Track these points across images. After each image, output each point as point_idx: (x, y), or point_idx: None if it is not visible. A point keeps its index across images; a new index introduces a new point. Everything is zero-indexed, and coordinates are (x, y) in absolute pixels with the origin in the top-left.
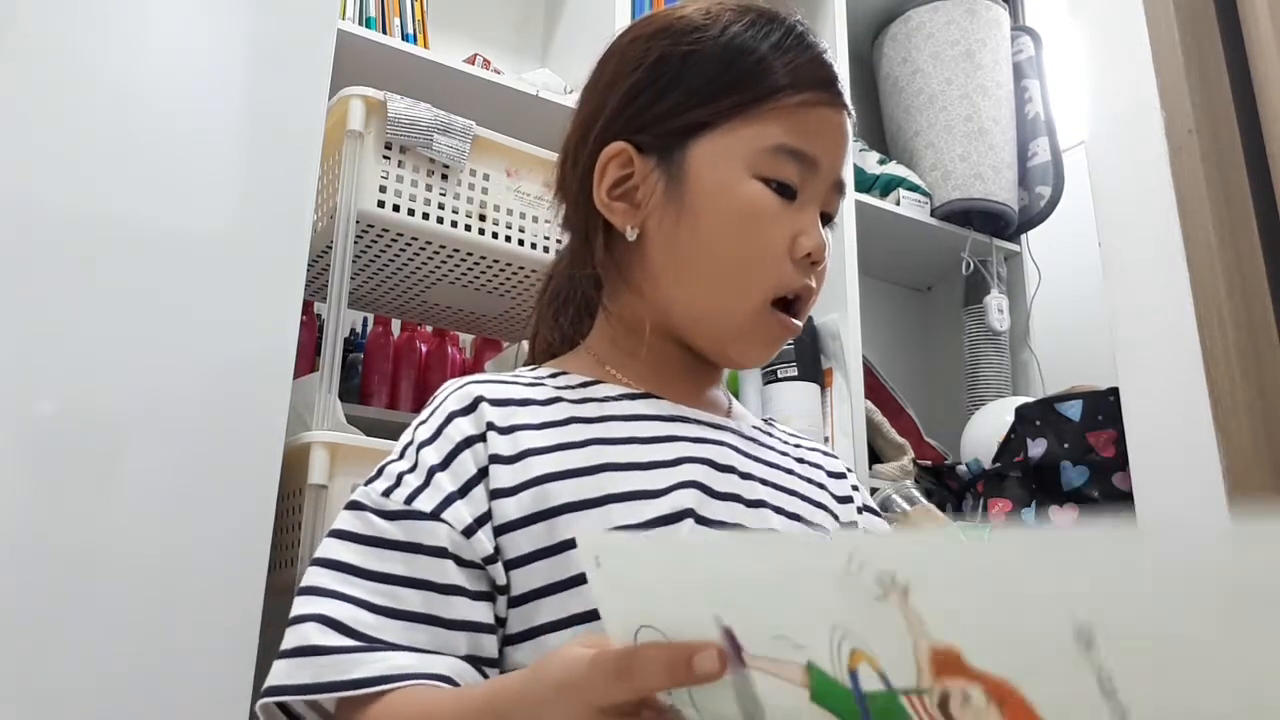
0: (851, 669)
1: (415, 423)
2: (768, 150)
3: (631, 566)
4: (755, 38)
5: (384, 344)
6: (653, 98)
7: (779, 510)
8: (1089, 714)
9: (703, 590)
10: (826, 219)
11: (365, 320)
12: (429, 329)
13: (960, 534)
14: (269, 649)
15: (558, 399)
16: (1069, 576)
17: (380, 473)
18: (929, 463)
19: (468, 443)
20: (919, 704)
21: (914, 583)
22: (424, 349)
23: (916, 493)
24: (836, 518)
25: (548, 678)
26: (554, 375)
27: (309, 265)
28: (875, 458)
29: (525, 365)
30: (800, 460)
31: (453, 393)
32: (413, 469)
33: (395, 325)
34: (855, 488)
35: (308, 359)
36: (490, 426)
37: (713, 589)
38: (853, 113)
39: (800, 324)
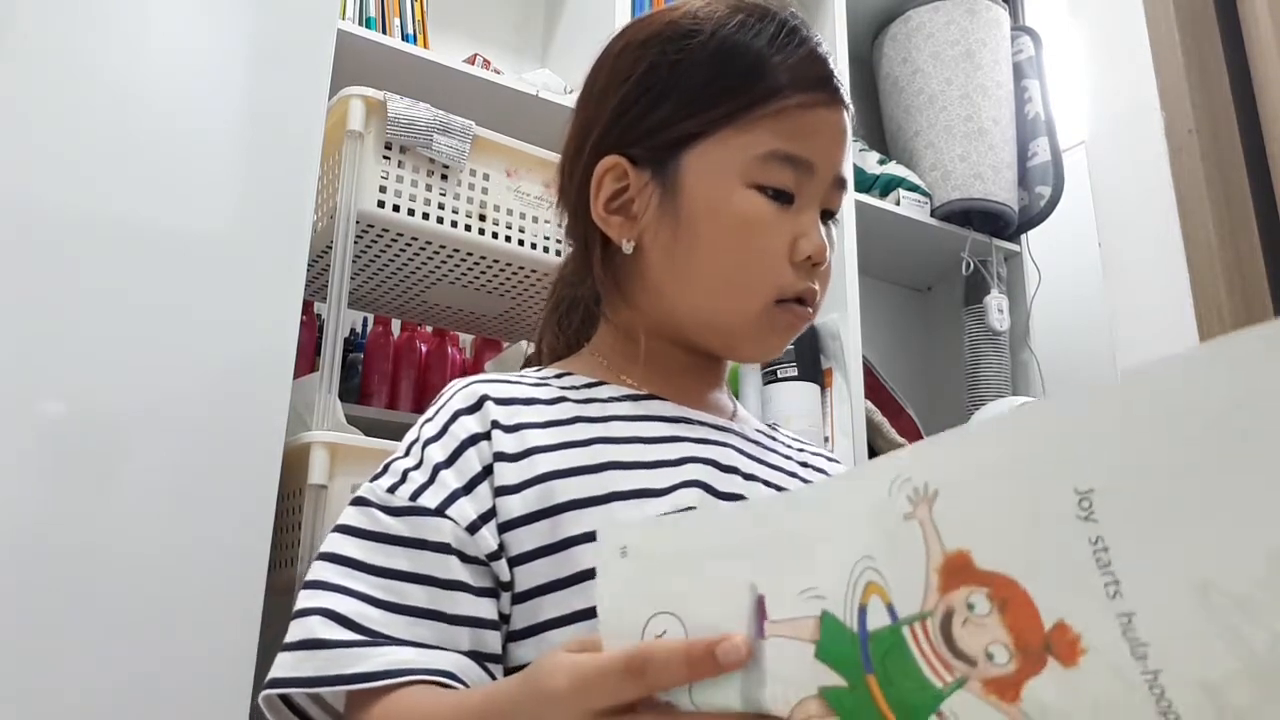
0: (863, 604)
1: (421, 420)
2: (761, 158)
3: (664, 544)
4: (747, 38)
5: (384, 344)
6: (644, 110)
7: None
8: (1086, 594)
9: (736, 559)
10: (829, 215)
11: (365, 320)
12: (429, 329)
13: (985, 426)
14: (269, 649)
15: (562, 399)
16: (1068, 443)
17: (386, 469)
18: None
19: (473, 440)
20: (922, 633)
21: (943, 487)
22: (424, 349)
23: None
24: None
25: (544, 684)
26: (559, 375)
27: (309, 265)
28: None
29: (530, 366)
30: (804, 465)
31: (458, 391)
32: (418, 466)
33: (395, 325)
34: None
35: (308, 359)
36: (495, 425)
37: (747, 554)
38: (850, 107)
39: (812, 314)
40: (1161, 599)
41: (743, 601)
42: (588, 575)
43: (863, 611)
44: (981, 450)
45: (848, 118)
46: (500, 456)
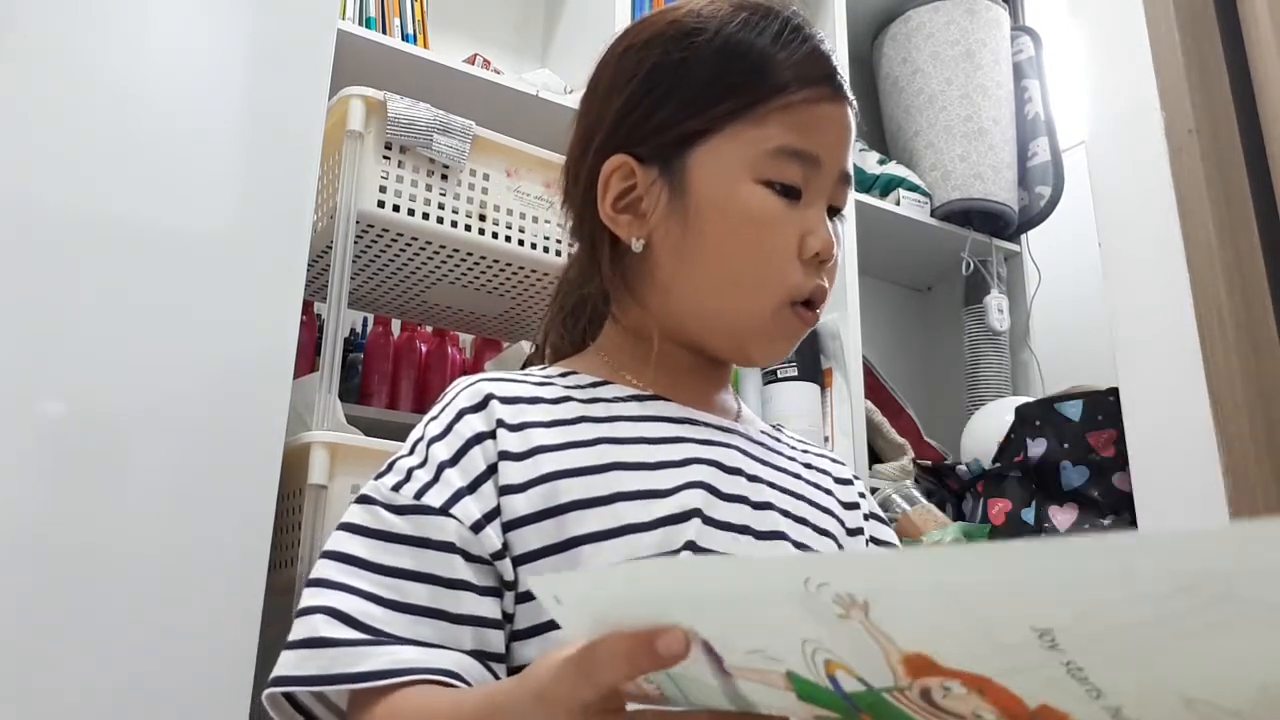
0: (830, 675)
1: (426, 419)
2: (768, 153)
3: (592, 598)
4: (750, 36)
5: (384, 344)
6: (649, 109)
7: (785, 514)
8: (1066, 695)
9: (675, 608)
10: (835, 211)
11: (365, 320)
12: (429, 329)
13: (902, 553)
14: (269, 649)
15: (567, 398)
16: (1018, 591)
17: (390, 467)
18: (929, 463)
19: (478, 439)
20: (903, 697)
21: (872, 600)
22: (424, 349)
23: (916, 493)
24: (842, 523)
25: (529, 685)
26: (564, 375)
27: (309, 265)
28: (875, 458)
29: (535, 365)
30: (808, 465)
31: (464, 390)
32: (423, 464)
33: (395, 325)
34: (862, 494)
35: (308, 359)
36: (500, 424)
37: (686, 607)
38: (854, 103)
39: (818, 314)
40: (1148, 702)
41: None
42: None
43: (833, 679)
44: (905, 573)
45: (852, 114)
46: (505, 455)
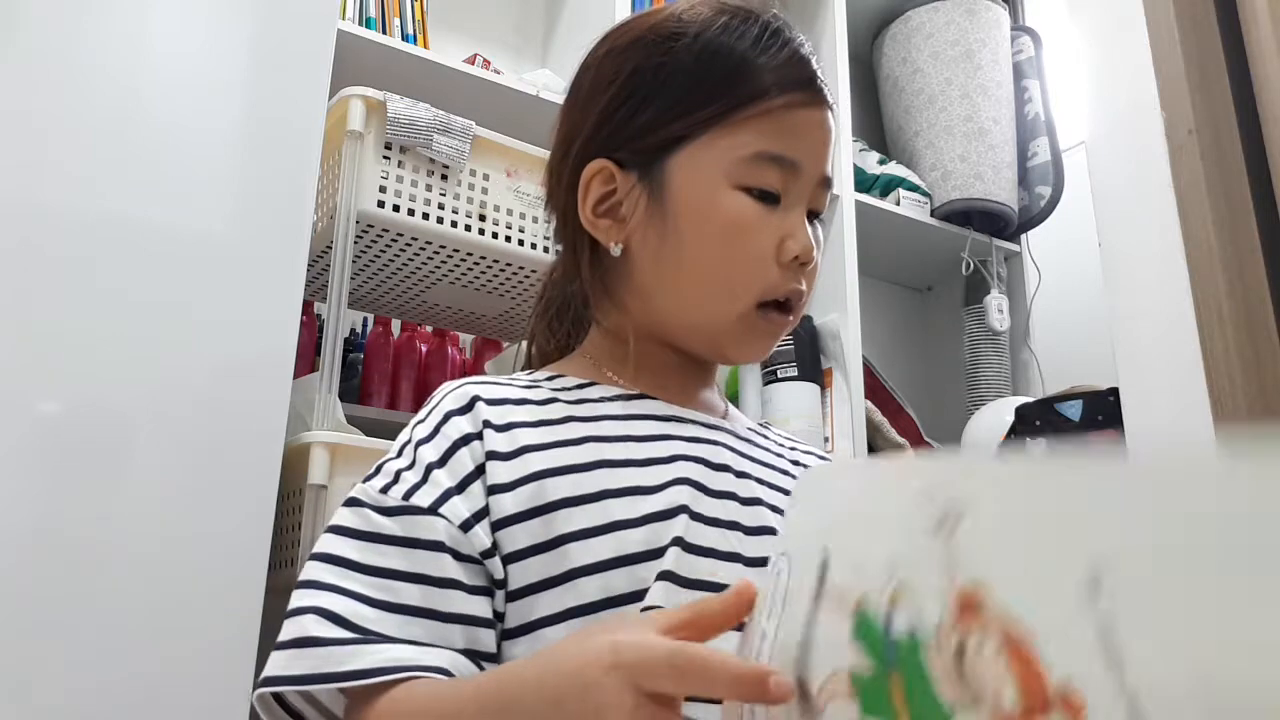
0: (891, 607)
1: (413, 422)
2: (746, 159)
3: (822, 491)
4: (730, 40)
5: (384, 344)
6: (629, 114)
7: (774, 509)
8: (1092, 664)
9: (816, 515)
10: (814, 215)
11: (365, 320)
12: (429, 329)
13: (1019, 465)
14: (269, 649)
15: (554, 400)
16: (1087, 516)
17: (378, 470)
18: None
19: (465, 440)
20: (937, 652)
21: (967, 510)
22: (424, 349)
23: None
24: None
25: (585, 654)
26: (551, 378)
27: (309, 265)
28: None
29: (522, 369)
30: (795, 463)
31: (449, 393)
32: (410, 466)
33: (395, 325)
34: None
35: (308, 359)
36: (487, 424)
37: (824, 513)
38: (834, 106)
39: (792, 319)
40: (1165, 681)
41: (815, 556)
42: (580, 573)
43: (889, 614)
44: (1010, 485)
45: (832, 118)
46: (492, 455)
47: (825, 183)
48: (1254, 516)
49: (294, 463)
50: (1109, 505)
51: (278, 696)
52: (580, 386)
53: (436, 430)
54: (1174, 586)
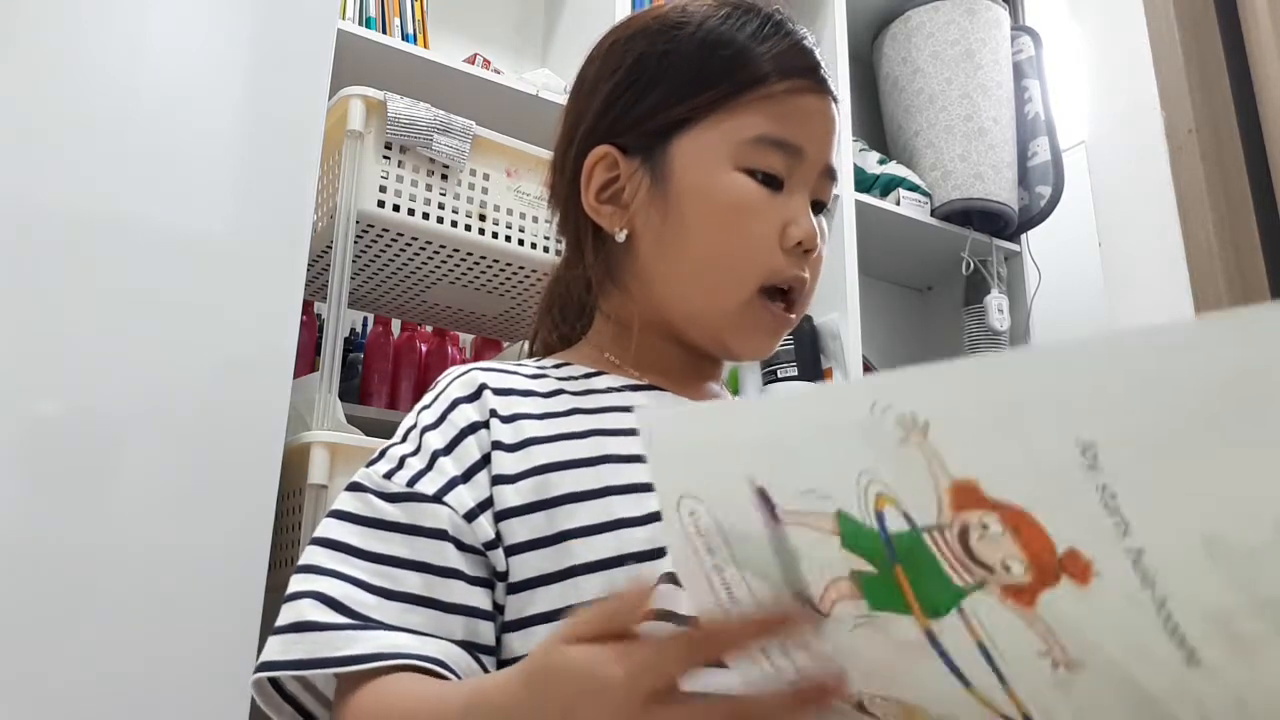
0: (878, 511)
1: (419, 407)
2: (750, 141)
3: (675, 437)
4: (732, 29)
5: (384, 344)
6: (633, 99)
7: None
8: (1096, 531)
9: (736, 453)
10: (819, 207)
11: (365, 320)
12: (429, 329)
13: (969, 364)
14: None
15: (560, 390)
16: (1069, 394)
17: (382, 455)
18: None
19: (472, 429)
20: (941, 539)
21: (933, 419)
22: (424, 349)
23: None
24: None
25: (568, 671)
26: (558, 366)
27: (309, 265)
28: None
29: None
30: None
31: (457, 379)
32: (416, 452)
33: (395, 325)
34: None
35: (308, 359)
36: (494, 414)
37: (747, 450)
38: (838, 98)
39: (794, 317)
40: (1170, 542)
41: (744, 493)
42: (580, 570)
43: (880, 516)
44: (969, 388)
45: (836, 110)
46: (498, 446)
47: (829, 173)
48: (1237, 378)
49: (294, 463)
50: (1085, 384)
51: (274, 682)
52: (587, 376)
53: (443, 417)
54: (1168, 453)
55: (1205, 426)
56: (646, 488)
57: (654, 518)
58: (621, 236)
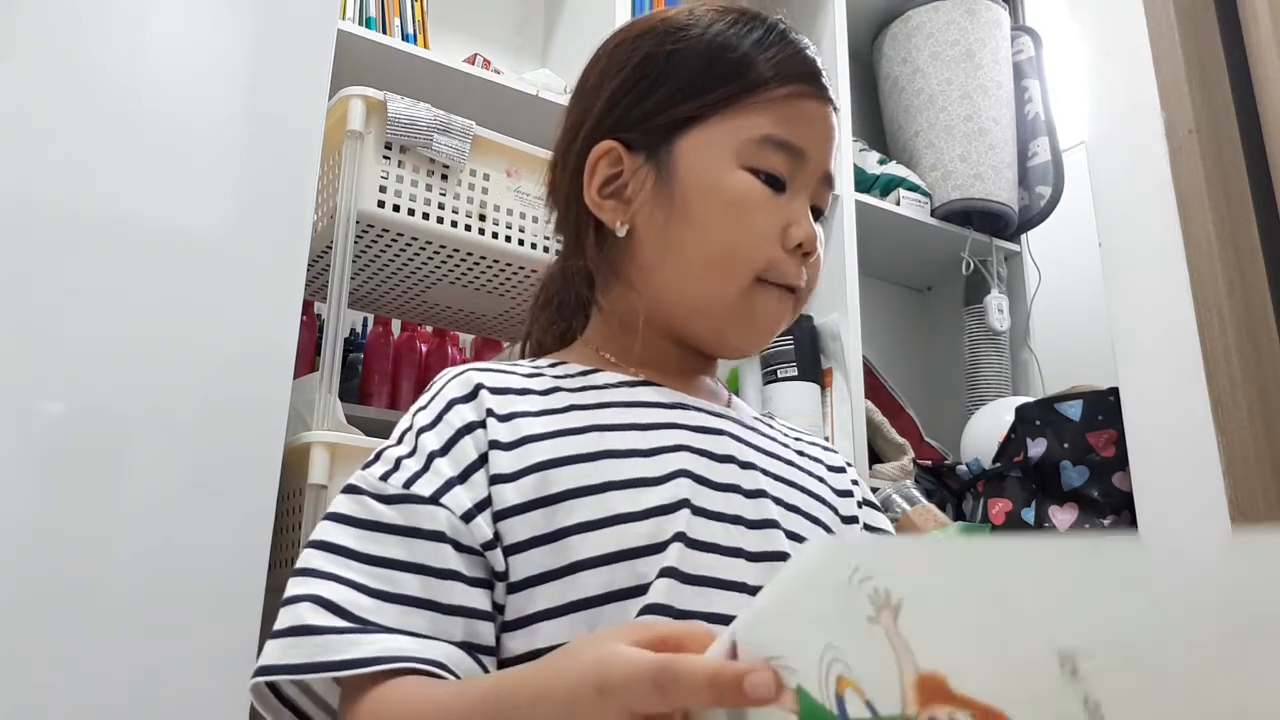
0: (838, 694)
1: (414, 409)
2: (755, 141)
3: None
4: (739, 35)
5: (384, 344)
6: (639, 96)
7: (778, 501)
8: None
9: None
10: (817, 214)
11: (365, 320)
12: (429, 329)
13: (955, 546)
14: None
15: (556, 388)
16: (1052, 601)
17: (378, 457)
18: (929, 463)
19: (468, 429)
20: None
21: (907, 599)
22: (424, 349)
23: (916, 493)
24: (836, 511)
25: (573, 676)
26: (553, 365)
27: (309, 265)
28: (875, 458)
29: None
30: (800, 453)
31: (452, 379)
32: (412, 454)
33: (395, 325)
34: (855, 482)
35: (308, 359)
36: (490, 413)
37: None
38: (839, 107)
39: (796, 306)
40: None
41: (723, 641)
42: (582, 566)
43: (840, 700)
44: (950, 571)
45: (836, 119)
46: (495, 445)
47: (828, 180)
48: (1229, 594)
49: (294, 463)
50: (1065, 587)
51: (272, 686)
52: (584, 374)
53: (439, 418)
54: (1153, 664)
55: (1198, 645)
56: (646, 483)
57: (653, 512)
58: (623, 231)
